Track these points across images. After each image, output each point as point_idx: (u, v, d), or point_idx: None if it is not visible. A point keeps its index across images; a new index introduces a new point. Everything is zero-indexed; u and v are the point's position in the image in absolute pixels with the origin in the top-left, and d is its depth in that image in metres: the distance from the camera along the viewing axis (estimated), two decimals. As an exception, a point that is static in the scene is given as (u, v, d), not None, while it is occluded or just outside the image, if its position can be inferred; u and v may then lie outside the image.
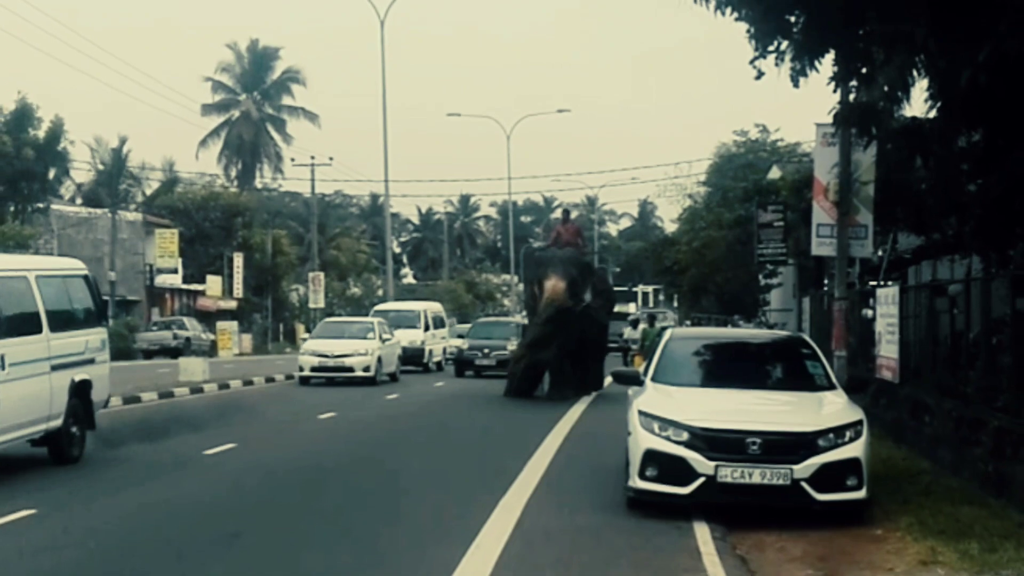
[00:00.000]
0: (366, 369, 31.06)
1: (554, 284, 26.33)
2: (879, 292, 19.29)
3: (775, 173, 38.14)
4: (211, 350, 54.88)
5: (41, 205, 57.95)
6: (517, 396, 26.55)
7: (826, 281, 25.69)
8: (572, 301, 26.30)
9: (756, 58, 14.30)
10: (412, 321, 38.72)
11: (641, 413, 11.46)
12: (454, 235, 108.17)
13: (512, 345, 31.70)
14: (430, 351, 38.98)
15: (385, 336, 32.95)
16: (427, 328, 39.12)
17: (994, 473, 12.12)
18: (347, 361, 31.12)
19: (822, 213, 20.64)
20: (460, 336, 39.50)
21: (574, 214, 34.35)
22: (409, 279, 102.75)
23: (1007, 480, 11.68)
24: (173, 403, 25.50)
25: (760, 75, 14.62)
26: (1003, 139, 13.54)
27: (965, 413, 13.69)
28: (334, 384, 30.84)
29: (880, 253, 24.21)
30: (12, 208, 55.08)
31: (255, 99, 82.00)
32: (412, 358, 36.91)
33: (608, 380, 26.90)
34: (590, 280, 27.54)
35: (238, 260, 66.44)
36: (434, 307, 43.58)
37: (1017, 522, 10.55)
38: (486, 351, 34.90)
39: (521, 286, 33.27)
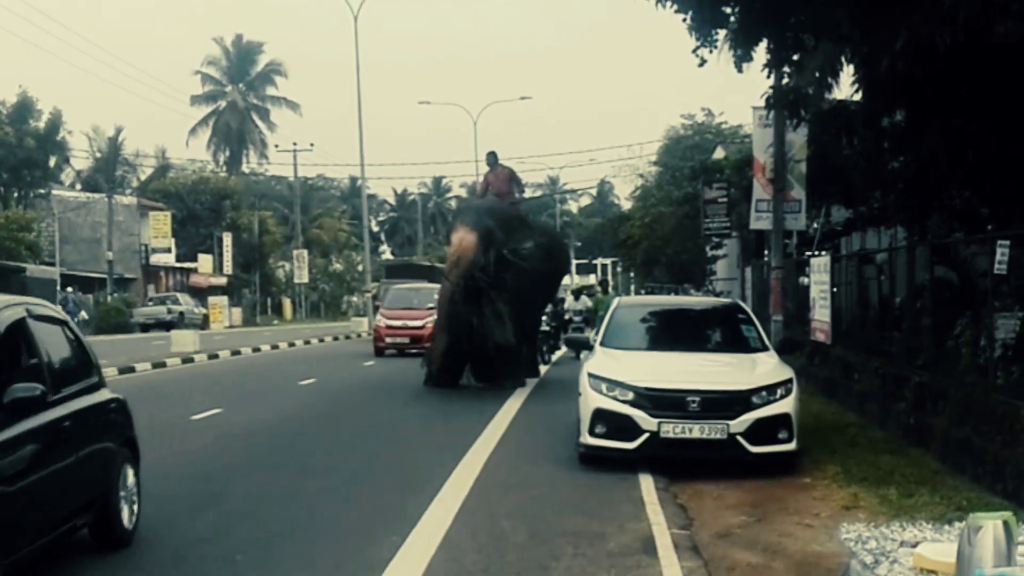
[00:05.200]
0: None
1: (461, 237, 18.96)
2: (813, 261, 19.37)
3: (719, 153, 38.18)
4: (203, 323, 54.67)
5: (43, 191, 57.70)
6: (438, 386, 19.51)
7: (766, 252, 25.76)
8: (485, 259, 18.85)
9: (697, 47, 14.32)
10: None
11: (591, 375, 11.47)
12: (428, 214, 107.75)
13: None
14: None
15: None
16: None
17: (915, 425, 12.21)
18: None
19: (760, 189, 20.66)
20: None
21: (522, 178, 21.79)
22: (387, 255, 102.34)
23: (926, 431, 11.76)
24: (165, 372, 25.37)
25: (703, 63, 14.63)
26: (920, 120, 13.58)
27: (890, 371, 13.78)
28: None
29: (815, 225, 24.27)
30: (16, 194, 54.74)
31: (241, 90, 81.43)
32: None
33: (546, 365, 24.05)
34: (521, 234, 20.09)
35: (227, 240, 66.33)
36: None
37: (933, 469, 10.63)
38: None
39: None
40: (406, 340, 27.77)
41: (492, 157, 22.58)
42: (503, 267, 19.07)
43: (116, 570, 7.40)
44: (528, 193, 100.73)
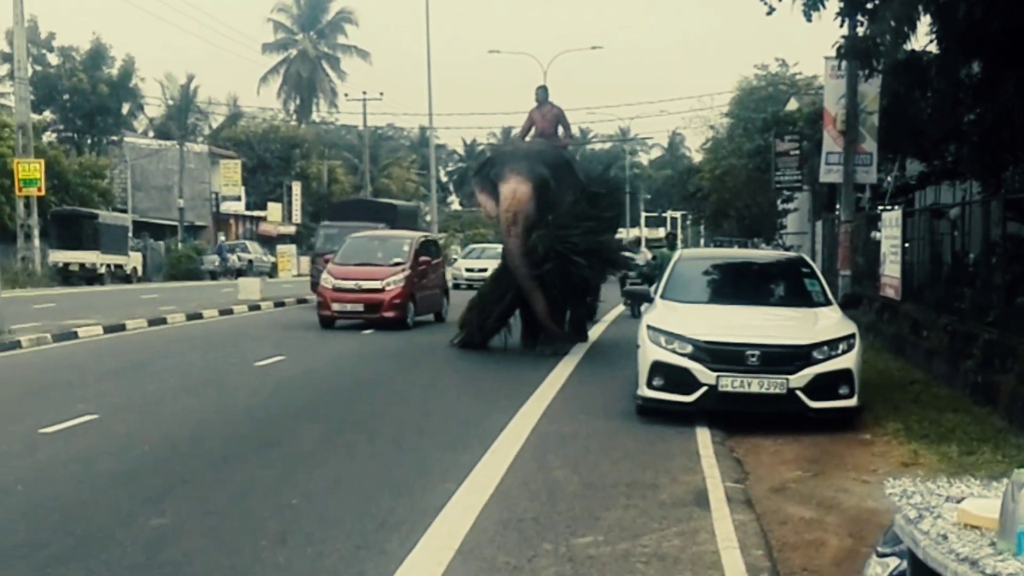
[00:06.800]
0: None
1: (514, 188, 17.13)
2: (884, 215, 19.06)
3: (792, 105, 37.63)
4: (272, 271, 55.33)
5: (115, 138, 58.52)
6: (467, 347, 18.30)
7: (837, 206, 25.39)
8: (539, 214, 17.29)
9: (767, -6, 14.13)
10: None
11: (649, 327, 11.43)
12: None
13: None
14: None
15: None
16: None
17: (982, 383, 12.03)
18: None
19: (831, 142, 20.36)
20: None
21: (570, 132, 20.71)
22: (456, 206, 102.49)
23: (994, 389, 11.58)
24: (231, 319, 25.75)
25: (771, 11, 14.46)
26: (996, 71, 13.28)
27: (959, 328, 13.56)
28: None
29: (888, 179, 23.87)
30: (89, 141, 55.59)
31: (311, 38, 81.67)
32: None
33: (595, 329, 21.74)
34: (572, 183, 17.93)
35: (296, 189, 66.85)
36: None
37: (998, 428, 10.47)
38: None
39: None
40: (359, 307, 21.72)
41: (543, 92, 19.70)
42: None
43: (184, 508, 7.56)
44: (596, 147, 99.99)
